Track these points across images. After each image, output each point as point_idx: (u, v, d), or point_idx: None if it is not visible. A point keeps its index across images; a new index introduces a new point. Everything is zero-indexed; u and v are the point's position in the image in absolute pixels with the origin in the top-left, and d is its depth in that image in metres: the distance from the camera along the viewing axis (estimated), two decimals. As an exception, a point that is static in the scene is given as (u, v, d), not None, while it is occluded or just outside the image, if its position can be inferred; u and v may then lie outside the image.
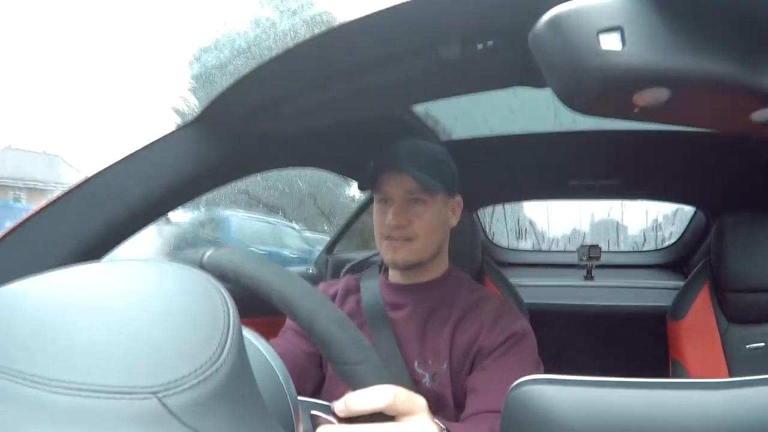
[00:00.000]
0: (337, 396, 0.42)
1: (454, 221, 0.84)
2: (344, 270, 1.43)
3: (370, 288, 0.84)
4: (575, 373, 0.32)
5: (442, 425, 0.49)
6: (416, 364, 0.75)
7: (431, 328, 0.77)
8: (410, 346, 0.76)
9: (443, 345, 0.75)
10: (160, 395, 0.20)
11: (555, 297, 1.64)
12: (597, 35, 0.32)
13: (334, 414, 0.42)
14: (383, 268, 0.89)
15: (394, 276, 0.85)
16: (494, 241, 2.02)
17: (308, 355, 0.80)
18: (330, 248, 1.60)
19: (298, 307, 0.39)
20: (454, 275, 0.85)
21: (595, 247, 1.70)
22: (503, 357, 0.72)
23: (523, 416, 0.32)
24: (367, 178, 0.82)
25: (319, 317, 0.39)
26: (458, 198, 0.85)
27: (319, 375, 0.81)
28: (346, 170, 1.22)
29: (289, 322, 0.85)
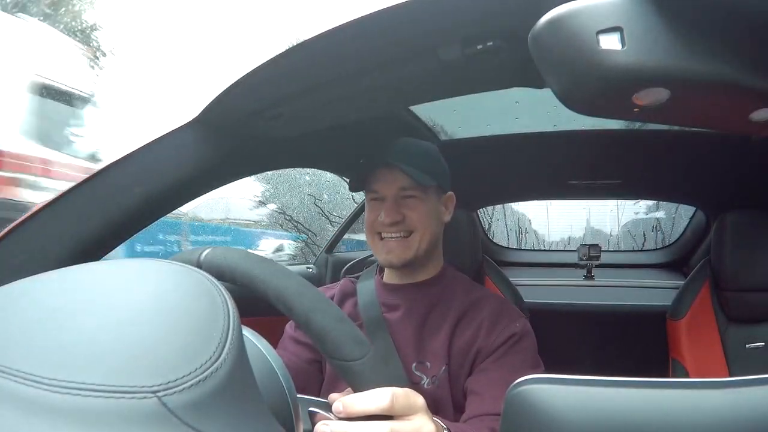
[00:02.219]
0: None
1: (447, 217, 0.85)
2: (344, 270, 1.43)
3: (366, 290, 0.83)
4: (575, 372, 0.32)
5: (441, 424, 0.49)
6: (414, 365, 0.74)
7: (429, 329, 0.77)
8: (407, 347, 0.76)
9: (442, 347, 0.74)
10: (160, 394, 0.20)
11: (555, 296, 1.64)
12: (596, 36, 0.32)
13: (332, 410, 0.42)
14: (380, 268, 0.89)
15: (389, 276, 0.85)
16: (494, 241, 2.03)
17: (310, 362, 0.80)
18: (330, 248, 1.60)
19: (294, 304, 0.39)
20: (449, 274, 0.85)
21: (595, 246, 1.71)
22: (503, 358, 0.71)
23: (523, 415, 0.32)
24: (357, 177, 0.82)
25: (315, 314, 0.39)
26: (450, 193, 0.85)
27: (323, 380, 0.81)
28: (346, 170, 1.22)
29: (287, 330, 0.84)
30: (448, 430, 0.50)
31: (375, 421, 0.41)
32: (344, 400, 0.40)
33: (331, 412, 0.43)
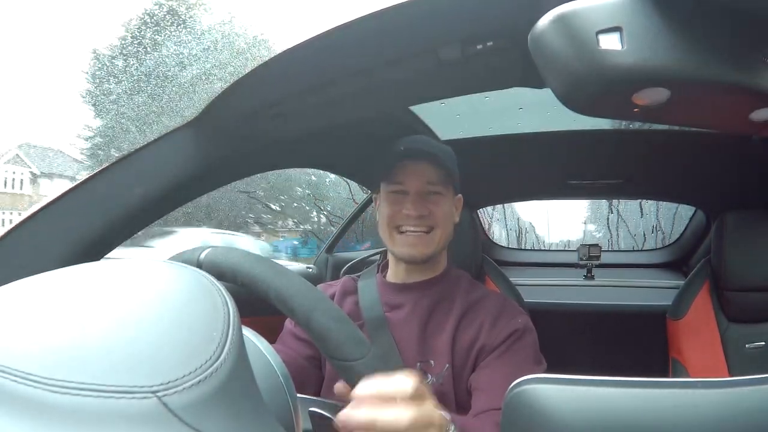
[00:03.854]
0: (334, 396, 0.43)
1: (457, 218, 0.86)
2: (344, 269, 1.43)
3: (368, 288, 0.83)
4: (575, 372, 0.32)
5: (445, 414, 0.49)
6: (418, 364, 0.75)
7: (432, 327, 0.77)
8: (411, 346, 0.76)
9: (445, 345, 0.74)
10: (160, 394, 0.20)
11: (555, 296, 1.64)
12: (596, 36, 0.32)
13: (334, 411, 0.42)
14: (381, 267, 0.89)
15: (393, 275, 0.85)
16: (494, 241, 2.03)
17: (309, 359, 0.80)
18: (330, 248, 1.60)
19: (295, 304, 0.39)
20: (452, 273, 0.85)
21: (595, 246, 1.71)
22: (506, 354, 0.72)
23: (523, 415, 0.32)
24: (382, 169, 0.81)
25: (316, 314, 0.39)
26: (460, 196, 0.87)
27: (320, 377, 0.81)
28: (346, 170, 1.22)
29: (287, 325, 0.84)
30: (452, 422, 0.51)
31: (397, 406, 0.41)
32: (371, 382, 0.41)
33: (332, 413, 0.43)
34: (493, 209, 2.30)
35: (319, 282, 1.45)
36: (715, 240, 1.17)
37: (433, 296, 0.80)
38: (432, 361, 0.74)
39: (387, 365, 0.73)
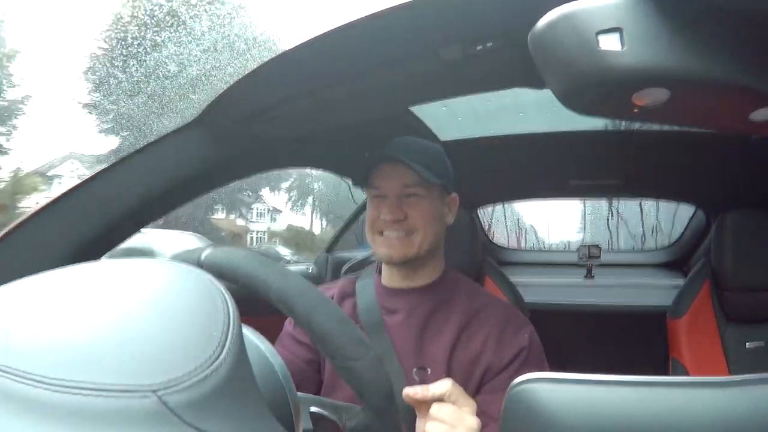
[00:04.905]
0: (335, 398, 0.43)
1: (450, 218, 0.83)
2: (344, 270, 1.43)
3: (366, 291, 0.82)
4: (575, 371, 0.32)
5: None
6: (414, 371, 0.73)
7: (429, 334, 0.76)
8: (407, 352, 0.75)
9: (443, 354, 0.73)
10: (159, 393, 0.20)
11: (555, 296, 1.64)
12: (596, 36, 0.32)
13: (334, 411, 0.42)
14: (380, 268, 0.88)
15: (388, 279, 0.83)
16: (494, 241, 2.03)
17: (308, 362, 0.79)
18: (330, 248, 1.60)
19: (296, 304, 0.39)
20: (450, 278, 0.83)
21: (595, 246, 1.71)
22: (515, 376, 0.69)
23: (523, 415, 0.32)
24: (361, 172, 0.80)
25: (316, 314, 0.39)
26: (454, 195, 0.83)
27: (319, 381, 0.80)
28: (346, 170, 1.22)
29: (286, 327, 0.83)
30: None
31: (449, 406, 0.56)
32: (416, 388, 0.57)
33: (333, 413, 0.43)
34: (493, 209, 2.30)
35: (319, 282, 1.45)
36: (715, 240, 1.18)
37: (430, 302, 0.78)
38: (429, 369, 0.73)
39: (386, 367, 0.73)
